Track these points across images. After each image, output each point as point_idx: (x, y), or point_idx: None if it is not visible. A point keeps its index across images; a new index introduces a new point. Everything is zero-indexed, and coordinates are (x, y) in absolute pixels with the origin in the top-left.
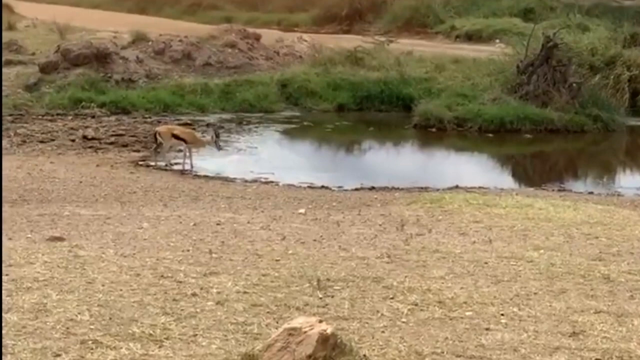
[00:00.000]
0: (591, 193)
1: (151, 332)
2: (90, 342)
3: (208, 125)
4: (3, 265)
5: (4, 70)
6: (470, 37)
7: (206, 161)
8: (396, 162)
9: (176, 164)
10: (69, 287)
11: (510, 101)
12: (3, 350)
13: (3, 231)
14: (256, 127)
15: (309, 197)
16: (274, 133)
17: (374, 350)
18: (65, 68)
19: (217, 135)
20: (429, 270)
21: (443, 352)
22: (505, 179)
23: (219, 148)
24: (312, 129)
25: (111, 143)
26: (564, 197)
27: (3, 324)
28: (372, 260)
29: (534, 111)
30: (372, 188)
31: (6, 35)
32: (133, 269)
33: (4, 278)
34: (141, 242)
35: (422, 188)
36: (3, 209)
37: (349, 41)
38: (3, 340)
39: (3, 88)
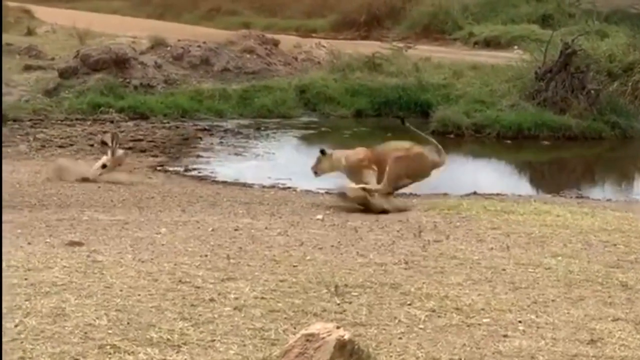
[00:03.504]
0: (609, 200)
1: (169, 337)
2: (108, 346)
3: (226, 131)
4: (22, 269)
5: (24, 75)
6: (489, 44)
7: (224, 167)
8: None
9: (194, 169)
10: (87, 291)
11: (528, 107)
12: (22, 355)
13: (23, 235)
14: (274, 132)
15: (327, 203)
16: (291, 139)
17: (391, 356)
18: (85, 73)
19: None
20: (446, 276)
21: (460, 359)
22: (523, 186)
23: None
24: (330, 134)
25: (129, 148)
26: (582, 204)
27: (22, 328)
28: (390, 267)
29: (552, 118)
30: (390, 194)
31: (26, 40)
32: (151, 274)
33: (23, 282)
34: (159, 247)
35: (439, 194)
36: (23, 213)
37: (367, 47)
38: (22, 344)
39: (23, 93)
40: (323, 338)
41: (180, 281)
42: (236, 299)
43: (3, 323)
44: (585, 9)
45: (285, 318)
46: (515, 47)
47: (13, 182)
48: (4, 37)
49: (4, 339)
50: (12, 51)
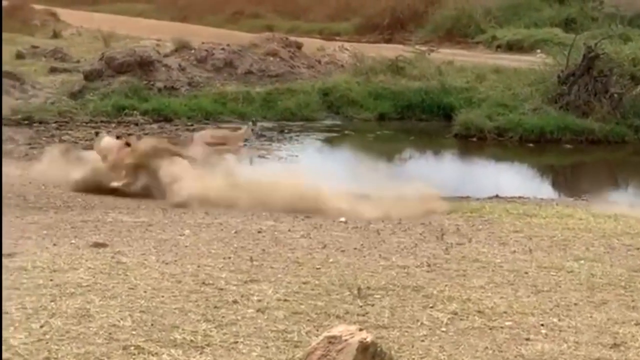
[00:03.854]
0: (632, 204)
1: (192, 338)
2: (132, 347)
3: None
4: (48, 270)
5: (50, 77)
6: (511, 47)
7: (248, 169)
8: (436, 171)
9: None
10: (112, 292)
11: (551, 111)
12: (47, 355)
13: (48, 237)
14: (297, 135)
15: (350, 205)
16: (315, 141)
17: (413, 359)
18: (109, 76)
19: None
20: (469, 279)
21: None
22: (545, 189)
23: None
24: (353, 137)
25: None
26: (605, 207)
27: (48, 329)
28: (412, 269)
29: (575, 121)
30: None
31: (52, 43)
32: (174, 275)
33: (49, 283)
34: (183, 249)
35: (462, 197)
36: (48, 214)
37: (391, 50)
38: (48, 344)
39: (49, 95)
40: (345, 340)
41: (203, 283)
42: (259, 300)
43: (29, 324)
44: (608, 13)
45: (308, 320)
46: (538, 50)
47: (39, 183)
48: (31, 40)
49: (29, 340)
50: (38, 54)
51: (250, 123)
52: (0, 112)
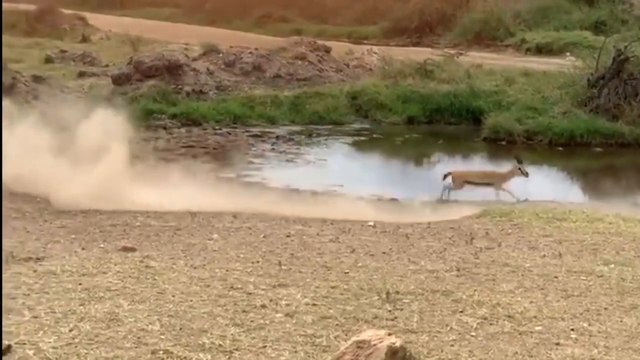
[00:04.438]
0: None
1: (221, 342)
2: (161, 352)
3: (277, 137)
4: (77, 274)
5: (79, 81)
6: (541, 50)
7: (275, 173)
8: None
9: (246, 175)
10: (140, 297)
11: (581, 114)
12: (76, 359)
13: (77, 241)
14: (325, 139)
15: (379, 209)
16: (343, 145)
17: None
18: (138, 80)
19: (520, 162)
20: (498, 284)
21: None
22: (575, 193)
23: (526, 174)
24: (381, 141)
25: (182, 154)
26: (635, 211)
27: (77, 333)
28: (442, 274)
29: (605, 125)
30: (442, 201)
31: (80, 47)
32: (203, 280)
33: (78, 287)
34: (211, 254)
35: (491, 201)
36: (77, 219)
37: (419, 54)
38: (77, 348)
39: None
40: (374, 345)
41: (232, 287)
42: (287, 305)
43: (58, 328)
44: (638, 15)
45: (337, 325)
46: (568, 53)
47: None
48: (60, 44)
49: (59, 344)
50: (67, 58)
51: (516, 162)
52: (0, 112)
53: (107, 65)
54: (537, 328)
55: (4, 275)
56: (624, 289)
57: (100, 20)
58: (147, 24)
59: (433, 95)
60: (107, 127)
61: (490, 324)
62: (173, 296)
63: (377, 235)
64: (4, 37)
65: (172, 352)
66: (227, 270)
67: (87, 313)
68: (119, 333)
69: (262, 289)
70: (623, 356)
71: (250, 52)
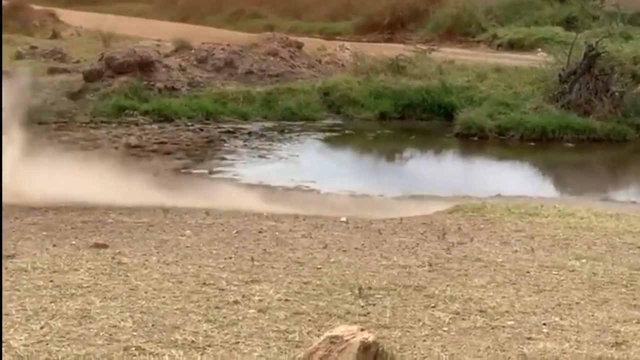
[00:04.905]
0: (634, 202)
1: (193, 339)
2: (133, 348)
3: (250, 133)
4: (48, 271)
5: (49, 78)
6: (512, 46)
7: (248, 169)
8: (438, 170)
9: (218, 171)
10: (112, 293)
11: (552, 110)
12: (48, 356)
13: (48, 238)
14: (298, 135)
15: (351, 205)
16: (315, 141)
17: (415, 359)
18: (109, 76)
19: None
20: (470, 279)
21: None
22: (547, 188)
23: None
24: (353, 137)
25: (154, 151)
26: (606, 206)
27: (48, 330)
28: (414, 269)
29: (576, 120)
30: (414, 196)
31: (51, 44)
32: (175, 276)
33: (49, 284)
34: (184, 250)
35: (463, 196)
36: (48, 215)
37: (391, 49)
38: (48, 346)
39: (48, 96)
40: (347, 340)
41: (204, 283)
42: (260, 301)
43: (29, 325)
44: (609, 11)
45: (310, 320)
46: (539, 49)
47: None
48: (30, 40)
49: (30, 341)
50: (37, 54)
51: None
52: (0, 112)
53: (78, 62)
54: (509, 323)
55: None
56: (596, 283)
57: (71, 16)
58: (119, 19)
59: (405, 91)
60: None
61: (463, 319)
62: (145, 292)
63: (350, 231)
64: None
65: (144, 349)
66: (199, 267)
67: (58, 310)
68: (91, 330)
69: (235, 285)
70: (594, 350)
71: (223, 49)
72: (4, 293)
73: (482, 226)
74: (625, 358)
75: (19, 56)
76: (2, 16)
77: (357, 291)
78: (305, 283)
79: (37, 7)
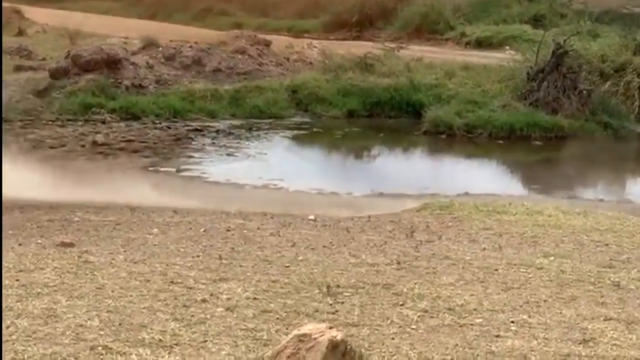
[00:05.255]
0: (601, 200)
1: (161, 337)
2: (100, 347)
3: (218, 131)
4: (14, 270)
5: (15, 75)
6: (481, 44)
7: (216, 167)
8: (406, 168)
9: (186, 170)
10: (79, 292)
11: (520, 108)
12: (14, 356)
13: (14, 237)
14: (266, 133)
15: (319, 203)
16: (283, 139)
17: (383, 357)
18: (76, 74)
19: None
20: (438, 277)
21: (453, 359)
22: (515, 186)
23: None
24: (322, 135)
25: (121, 149)
26: (574, 204)
27: (14, 329)
28: (382, 267)
29: (544, 118)
30: (382, 194)
31: (16, 41)
32: (143, 274)
33: (15, 283)
34: (151, 248)
35: (432, 194)
36: (14, 214)
37: (359, 47)
38: (14, 345)
39: (14, 93)
40: (315, 338)
41: (172, 282)
42: (228, 299)
43: None
44: (577, 9)
45: (278, 318)
46: (507, 47)
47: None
48: None
49: None
50: (3, 52)
51: None
52: (1, 112)
53: (44, 59)
54: (477, 320)
55: None
56: (563, 281)
57: (37, 14)
58: (86, 17)
59: (373, 89)
60: None
61: (431, 317)
62: (112, 291)
63: (318, 229)
64: None
65: (111, 348)
66: (167, 265)
67: (24, 309)
68: (57, 329)
69: (203, 283)
70: (562, 347)
71: (190, 46)
72: None
73: (450, 224)
74: (592, 355)
75: None
76: (2, 16)
77: (325, 289)
78: (273, 281)
79: (2, 4)
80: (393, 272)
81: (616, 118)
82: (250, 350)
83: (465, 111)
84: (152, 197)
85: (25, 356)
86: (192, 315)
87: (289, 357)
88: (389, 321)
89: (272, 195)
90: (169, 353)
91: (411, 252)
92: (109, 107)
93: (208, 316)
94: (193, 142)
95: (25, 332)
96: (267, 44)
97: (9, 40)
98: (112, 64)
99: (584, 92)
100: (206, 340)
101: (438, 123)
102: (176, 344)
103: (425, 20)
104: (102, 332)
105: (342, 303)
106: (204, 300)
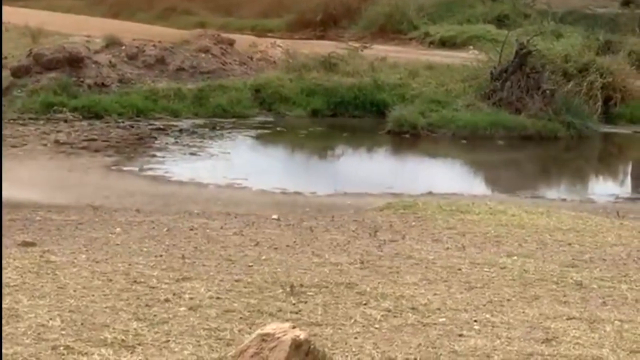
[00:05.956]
0: (564, 200)
1: (123, 337)
2: (61, 347)
3: (181, 130)
4: None
5: None
6: (444, 44)
7: (179, 166)
8: (370, 168)
9: (149, 169)
10: (41, 292)
11: (484, 107)
12: None
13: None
14: (229, 132)
15: (282, 202)
16: (247, 138)
17: (347, 356)
18: (38, 72)
19: None
20: (402, 276)
21: (416, 359)
22: (478, 186)
23: None
24: (285, 134)
25: (83, 148)
26: (537, 203)
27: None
28: (345, 266)
29: (508, 117)
30: (346, 194)
31: None
32: (105, 274)
33: None
34: (113, 248)
35: (395, 194)
36: None
37: (323, 47)
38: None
39: None
40: (278, 338)
41: (134, 281)
42: (191, 299)
43: None
44: (540, 10)
45: (241, 318)
46: (471, 47)
47: None
48: None
49: None
50: None
51: None
52: (1, 111)
53: (5, 58)
54: (440, 320)
55: None
56: (526, 280)
57: None
58: (48, 15)
59: (337, 88)
60: None
61: (394, 316)
62: (74, 291)
63: (281, 229)
64: None
65: (73, 348)
66: (129, 265)
67: None
68: (19, 329)
69: (166, 283)
70: (525, 346)
71: (154, 45)
72: None
73: (413, 224)
74: (555, 354)
75: None
76: (2, 17)
77: (288, 289)
78: (236, 281)
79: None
80: (356, 272)
81: (579, 118)
82: (213, 350)
83: (428, 111)
84: (114, 197)
85: None
86: (155, 315)
87: (252, 356)
88: (352, 320)
89: (236, 194)
90: (132, 353)
91: (375, 251)
92: (71, 105)
93: (171, 316)
94: (156, 142)
95: None
96: (231, 43)
97: None
98: (74, 62)
99: (547, 92)
100: (169, 340)
101: (402, 122)
102: (139, 344)
103: (389, 20)
104: (63, 332)
105: (306, 302)
106: (166, 300)
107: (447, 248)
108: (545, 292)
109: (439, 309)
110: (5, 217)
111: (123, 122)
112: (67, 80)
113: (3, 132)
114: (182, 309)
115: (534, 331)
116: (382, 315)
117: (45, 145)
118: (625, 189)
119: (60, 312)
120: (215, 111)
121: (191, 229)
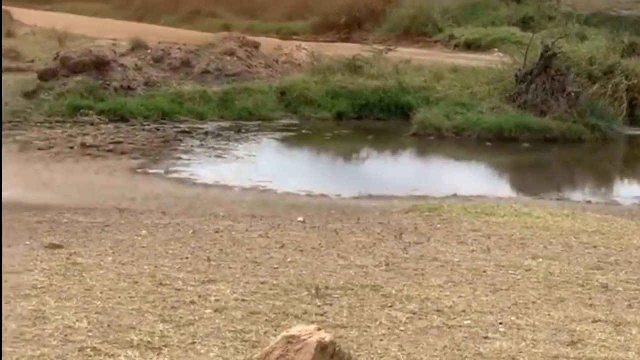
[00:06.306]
0: (589, 202)
1: (149, 339)
2: (88, 349)
3: (206, 133)
4: (2, 272)
5: (3, 77)
6: (469, 46)
7: (204, 169)
8: (395, 170)
9: (174, 171)
10: (68, 294)
11: (509, 110)
12: (2, 359)
13: (3, 238)
14: (255, 135)
15: (308, 205)
16: (272, 141)
17: (372, 358)
18: (65, 76)
19: None
20: (427, 278)
21: None
22: (503, 188)
23: None
24: (310, 137)
25: (110, 150)
26: (562, 206)
27: (2, 331)
28: (371, 269)
29: (533, 120)
30: (371, 196)
31: (5, 43)
32: (131, 276)
33: (3, 285)
34: (140, 250)
35: (420, 196)
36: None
37: (348, 50)
38: (2, 347)
39: (2, 95)
40: (304, 340)
41: (160, 284)
42: (217, 301)
43: None
44: (565, 12)
45: (266, 320)
46: (496, 49)
47: None
48: None
49: None
50: None
51: None
52: (1, 111)
53: (32, 61)
54: (466, 322)
55: None
56: (552, 282)
57: (26, 15)
58: (74, 19)
59: (362, 91)
60: None
61: (420, 319)
62: (101, 293)
63: (307, 231)
64: None
65: (99, 350)
66: (155, 267)
67: (12, 311)
68: (46, 331)
69: (192, 285)
70: (550, 349)
71: (179, 48)
72: None
73: (439, 226)
74: (581, 357)
75: None
76: (2, 16)
77: (314, 291)
78: (262, 283)
79: (2, 5)
80: (382, 274)
81: (604, 120)
82: (239, 352)
83: (454, 113)
84: (140, 199)
85: (13, 358)
86: (181, 317)
87: (277, 358)
88: (377, 323)
89: (261, 197)
90: (158, 355)
91: (400, 253)
92: (98, 109)
93: (197, 318)
94: (182, 144)
95: (13, 334)
96: (256, 45)
97: None
98: (100, 66)
99: (573, 94)
100: (195, 342)
101: (427, 125)
102: (165, 346)
103: (413, 23)
104: (90, 334)
105: (331, 305)
106: (192, 302)
107: (473, 250)
108: (570, 294)
109: (464, 311)
110: (32, 220)
111: (149, 125)
112: (93, 83)
113: (31, 135)
114: (208, 311)
115: (559, 334)
116: (408, 318)
117: (72, 148)
118: None
119: (87, 314)
120: (241, 114)
121: (217, 232)
